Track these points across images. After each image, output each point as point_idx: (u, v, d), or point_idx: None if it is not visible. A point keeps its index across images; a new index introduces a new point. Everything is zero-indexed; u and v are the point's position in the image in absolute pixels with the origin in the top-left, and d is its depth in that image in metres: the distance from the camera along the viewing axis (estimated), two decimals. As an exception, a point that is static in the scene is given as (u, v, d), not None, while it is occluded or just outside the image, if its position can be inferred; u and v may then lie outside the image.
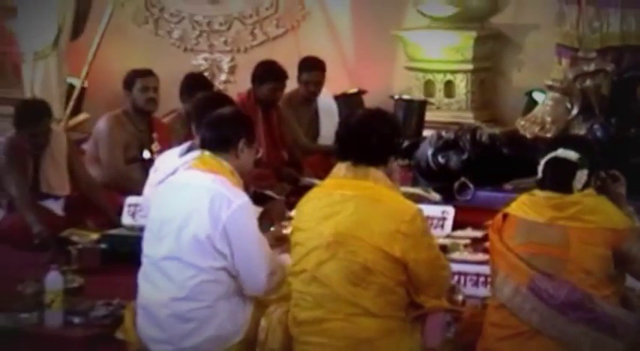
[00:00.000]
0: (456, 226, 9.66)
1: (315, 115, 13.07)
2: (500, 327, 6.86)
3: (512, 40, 14.24)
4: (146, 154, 11.10)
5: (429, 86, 14.10)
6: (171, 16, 16.21)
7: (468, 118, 13.57)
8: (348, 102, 13.53)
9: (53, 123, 11.44)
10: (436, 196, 10.26)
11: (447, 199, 10.36)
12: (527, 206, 7.00)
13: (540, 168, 7.09)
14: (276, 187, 10.28)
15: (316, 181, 9.43)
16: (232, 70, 14.67)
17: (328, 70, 13.21)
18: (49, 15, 14.45)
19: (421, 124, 12.63)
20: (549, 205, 6.90)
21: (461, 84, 14.03)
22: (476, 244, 9.12)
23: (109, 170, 11.41)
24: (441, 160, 11.02)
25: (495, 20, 14.30)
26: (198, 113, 8.22)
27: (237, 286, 7.41)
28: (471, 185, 10.65)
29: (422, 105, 13.36)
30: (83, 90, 14.97)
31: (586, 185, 6.97)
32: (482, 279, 8.08)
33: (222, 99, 9.59)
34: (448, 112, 13.81)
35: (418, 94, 13.89)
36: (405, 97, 13.66)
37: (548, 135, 10.74)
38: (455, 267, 7.76)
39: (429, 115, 13.25)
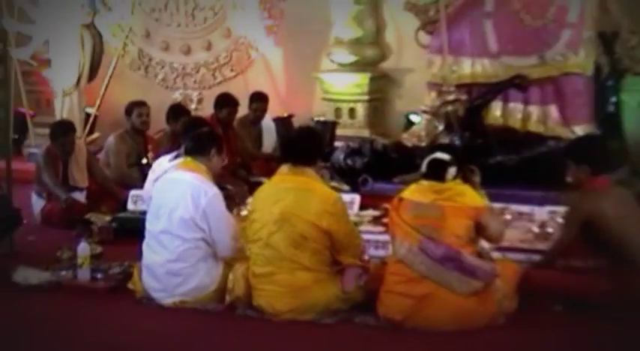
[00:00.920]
0: (361, 207, 9.81)
1: (260, 132, 13.08)
2: (398, 275, 7.07)
3: (395, 79, 14.24)
4: (143, 161, 11.14)
5: (338, 111, 14.05)
6: (157, 64, 16.18)
7: (366, 133, 13.58)
8: (282, 123, 13.58)
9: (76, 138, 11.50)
10: (346, 187, 10.30)
11: (354, 189, 10.43)
12: (416, 192, 7.23)
13: (424, 166, 7.36)
14: (233, 183, 10.29)
15: (262, 179, 9.62)
16: (200, 101, 14.59)
17: (270, 100, 13.24)
18: (72, 65, 14.46)
19: (333, 137, 12.64)
20: (431, 191, 7.16)
21: (360, 109, 13.98)
22: (376, 220, 9.28)
23: (116, 172, 11.52)
24: (349, 162, 11.09)
25: (383, 65, 14.28)
26: (185, 131, 8.30)
27: (212, 251, 7.70)
28: (370, 179, 10.75)
29: (333, 125, 13.34)
30: (96, 117, 14.97)
31: (455, 177, 7.15)
32: (381, 244, 8.28)
33: (201, 122, 9.75)
34: (352, 129, 13.73)
35: (331, 117, 13.84)
36: (322, 119, 13.67)
37: (423, 144, 10.82)
38: (363, 236, 7.85)
39: (339, 132, 13.20)
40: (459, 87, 11.07)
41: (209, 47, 15.85)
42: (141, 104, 11.87)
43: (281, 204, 7.24)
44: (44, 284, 8.21)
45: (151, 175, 8.27)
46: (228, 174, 9.91)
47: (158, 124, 12.23)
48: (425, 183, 7.25)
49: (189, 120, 10.44)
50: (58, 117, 14.09)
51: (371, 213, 9.55)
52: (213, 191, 7.68)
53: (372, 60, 14.20)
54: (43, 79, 15.23)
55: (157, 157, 9.83)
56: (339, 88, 14.15)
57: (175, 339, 7.06)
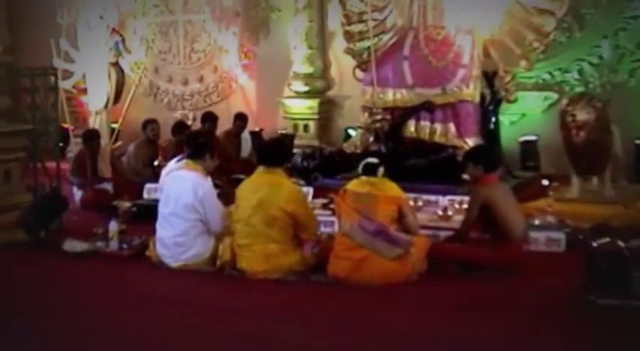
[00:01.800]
0: (314, 197, 9.83)
1: (240, 142, 12.96)
2: (342, 244, 7.15)
3: (338, 103, 14.15)
4: (155, 163, 11.11)
5: (295, 127, 13.92)
6: (163, 92, 16.10)
7: (316, 143, 13.44)
8: (255, 135, 13.48)
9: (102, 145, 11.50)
10: (302, 182, 10.19)
11: (308, 184, 10.34)
12: (356, 185, 7.33)
13: (360, 167, 7.37)
14: (219, 179, 10.23)
15: (241, 176, 9.54)
16: (194, 119, 14.52)
17: (243, 118, 13.24)
18: (102, 92, 14.42)
19: (292, 146, 12.55)
20: (367, 184, 7.26)
21: (312, 125, 13.89)
22: (324, 206, 9.26)
23: (134, 170, 11.49)
24: (304, 164, 11.00)
25: (329, 93, 14.21)
26: (187, 141, 8.28)
27: (206, 228, 7.74)
28: (320, 177, 10.72)
29: (292, 136, 13.30)
30: (119, 130, 14.87)
31: (383, 174, 7.21)
32: (328, 223, 8.31)
33: (198, 134, 9.73)
34: (306, 140, 13.59)
35: (291, 131, 13.75)
36: (284, 132, 13.64)
37: (358, 151, 10.78)
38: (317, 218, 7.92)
39: (296, 142, 13.10)
40: (385, 109, 11.00)
41: (201, 80, 15.72)
42: (153, 121, 11.86)
43: (258, 194, 7.32)
44: (85, 252, 8.31)
45: (164, 172, 8.28)
46: (217, 172, 9.90)
47: (164, 135, 12.13)
48: (363, 178, 7.33)
49: (190, 133, 10.44)
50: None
51: (321, 201, 9.55)
52: (208, 184, 7.75)
53: (320, 89, 14.12)
54: (81, 102, 15.17)
55: (165, 160, 9.82)
56: (296, 110, 14.05)
57: (180, 291, 7.14)
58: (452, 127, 10.69)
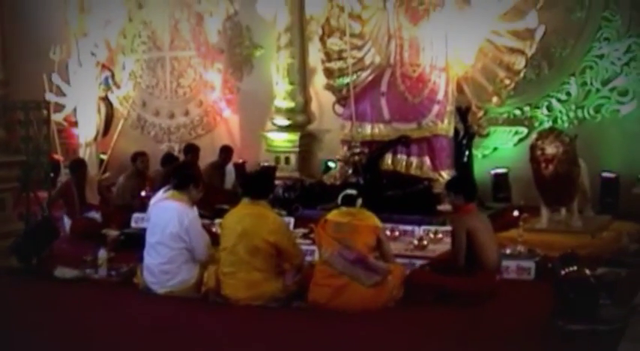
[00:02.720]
0: (295, 227, 9.84)
1: (224, 173, 13.01)
2: (322, 272, 7.17)
3: (318, 137, 14.18)
4: (142, 193, 11.11)
5: (277, 159, 13.92)
6: (150, 125, 16.07)
7: (297, 175, 13.48)
8: (239, 167, 13.53)
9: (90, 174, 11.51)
10: (284, 213, 10.17)
11: (289, 214, 10.35)
12: (336, 215, 7.30)
13: (339, 198, 7.35)
14: (204, 209, 10.19)
15: (225, 206, 9.51)
16: (180, 151, 14.46)
17: (227, 151, 13.27)
18: (92, 125, 14.47)
19: (274, 177, 12.51)
20: (347, 214, 7.22)
21: (293, 158, 13.90)
22: (306, 236, 9.25)
23: (122, 201, 11.50)
24: (286, 195, 11.04)
25: (310, 127, 14.25)
26: (173, 172, 8.30)
27: (192, 256, 7.68)
28: (301, 208, 10.72)
29: (274, 169, 13.23)
30: (108, 162, 14.87)
31: (361, 205, 7.22)
32: (309, 252, 8.27)
33: (184, 166, 9.75)
34: (287, 172, 13.60)
35: (273, 163, 13.76)
36: (266, 164, 13.62)
37: (337, 183, 10.81)
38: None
39: (278, 174, 12.97)
40: (363, 143, 11.09)
41: (187, 113, 15.74)
42: (143, 154, 11.94)
43: (242, 224, 7.29)
44: (75, 278, 8.27)
45: (151, 202, 8.28)
46: (202, 203, 9.89)
47: (152, 166, 12.18)
48: (342, 209, 7.33)
49: (176, 165, 10.48)
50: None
51: (302, 231, 9.56)
52: (193, 214, 7.75)
53: (301, 123, 14.16)
54: (72, 134, 15.11)
55: (153, 190, 9.83)
56: (278, 143, 14.08)
57: (166, 316, 7.09)
58: (427, 160, 10.78)
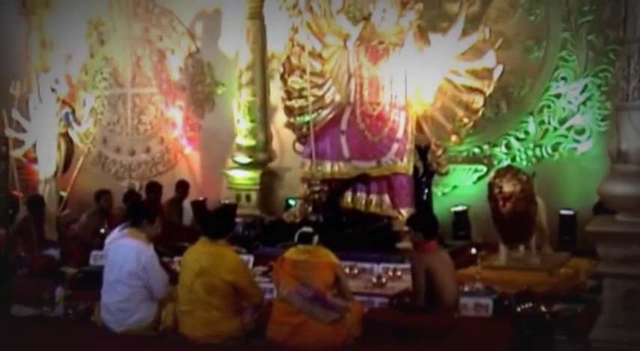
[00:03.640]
0: (255, 265, 9.83)
1: (182, 209, 13.06)
2: (281, 310, 7.21)
3: (278, 175, 14.20)
4: (101, 231, 11.04)
5: (238, 196, 13.89)
6: (111, 161, 15.98)
7: (258, 212, 13.47)
8: (198, 205, 13.42)
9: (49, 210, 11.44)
10: (244, 250, 10.15)
11: (249, 252, 10.30)
12: (294, 253, 7.32)
13: (296, 236, 7.37)
14: (163, 246, 10.12)
15: (185, 244, 9.41)
16: (141, 188, 14.36)
17: (190, 188, 13.40)
18: (52, 161, 14.33)
19: (235, 215, 12.44)
20: (304, 252, 7.25)
21: (254, 195, 13.88)
22: (265, 274, 9.14)
23: (84, 238, 11.37)
24: (246, 232, 11.03)
25: (270, 165, 14.24)
26: (127, 209, 8.32)
27: (150, 294, 7.63)
28: (261, 245, 10.67)
29: (235, 206, 13.20)
30: (68, 199, 14.76)
31: (318, 242, 7.25)
32: (268, 290, 8.20)
33: (137, 202, 9.74)
34: (248, 209, 13.56)
35: (234, 200, 13.73)
36: (228, 202, 13.62)
37: (297, 221, 10.68)
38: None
39: (239, 211, 12.89)
40: (323, 181, 11.07)
41: (148, 150, 15.69)
42: (106, 192, 11.98)
43: (200, 263, 7.28)
44: (31, 317, 8.18)
45: (107, 240, 8.28)
46: (161, 240, 9.84)
47: (115, 203, 12.20)
48: (300, 246, 7.36)
49: (130, 203, 10.51)
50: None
51: (261, 269, 9.51)
52: (150, 252, 7.72)
53: (262, 161, 14.16)
54: (32, 170, 14.99)
55: (111, 228, 9.79)
56: (239, 180, 14.07)
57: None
58: (387, 198, 10.81)
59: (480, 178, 12.44)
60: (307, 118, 11.35)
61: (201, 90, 15.13)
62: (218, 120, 14.92)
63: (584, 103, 12.11)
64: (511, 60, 11.81)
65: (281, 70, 11.89)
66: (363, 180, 10.85)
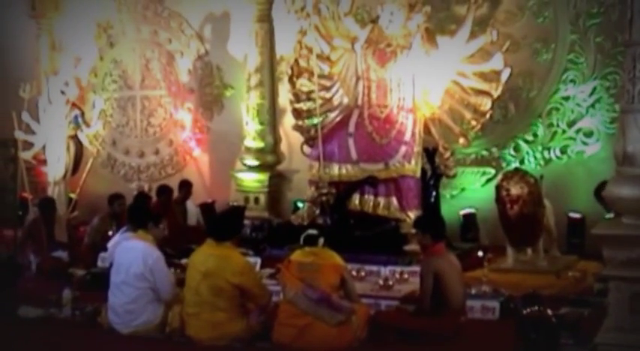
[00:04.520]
0: (262, 267, 9.84)
1: (185, 209, 13.04)
2: (287, 312, 7.20)
3: (286, 177, 14.18)
4: (110, 233, 11.00)
5: (247, 199, 13.85)
6: (120, 164, 15.99)
7: (266, 214, 13.47)
8: (207, 207, 13.44)
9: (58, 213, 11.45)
10: (251, 253, 10.23)
11: (256, 254, 10.37)
12: (300, 255, 7.31)
13: (302, 239, 7.39)
14: (171, 248, 10.13)
15: (193, 246, 9.44)
16: (150, 190, 14.40)
17: (198, 190, 13.44)
18: (61, 164, 14.36)
19: (243, 217, 12.42)
20: (310, 254, 7.26)
21: (263, 198, 13.85)
22: (272, 276, 9.10)
23: (94, 240, 11.35)
24: (254, 235, 11.11)
25: (279, 167, 14.21)
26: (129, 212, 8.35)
27: (156, 296, 7.64)
28: (268, 247, 10.73)
29: (244, 208, 12.83)
30: (77, 201, 14.78)
31: (323, 245, 7.25)
32: (276, 292, 8.19)
33: (140, 205, 9.77)
34: (256, 211, 13.54)
35: (242, 202, 13.65)
36: (236, 204, 13.44)
37: (305, 223, 10.71)
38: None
39: (247, 213, 12.22)
40: (330, 183, 11.07)
41: (157, 152, 15.68)
42: (120, 197, 11.89)
43: (206, 265, 7.30)
44: (39, 318, 8.24)
45: (109, 243, 8.30)
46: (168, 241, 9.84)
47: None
48: (306, 249, 7.39)
49: (130, 205, 10.54)
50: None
51: (268, 271, 9.51)
52: (157, 254, 7.75)
53: (271, 163, 14.14)
54: (41, 172, 15.02)
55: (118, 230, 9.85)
56: (248, 183, 14.06)
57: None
58: (394, 200, 10.80)
59: (488, 181, 12.41)
60: (315, 120, 11.34)
61: (209, 92, 15.14)
62: (227, 122, 14.92)
63: (592, 105, 12.08)
64: (519, 62, 11.81)
65: (289, 72, 11.88)
66: (370, 182, 10.85)
